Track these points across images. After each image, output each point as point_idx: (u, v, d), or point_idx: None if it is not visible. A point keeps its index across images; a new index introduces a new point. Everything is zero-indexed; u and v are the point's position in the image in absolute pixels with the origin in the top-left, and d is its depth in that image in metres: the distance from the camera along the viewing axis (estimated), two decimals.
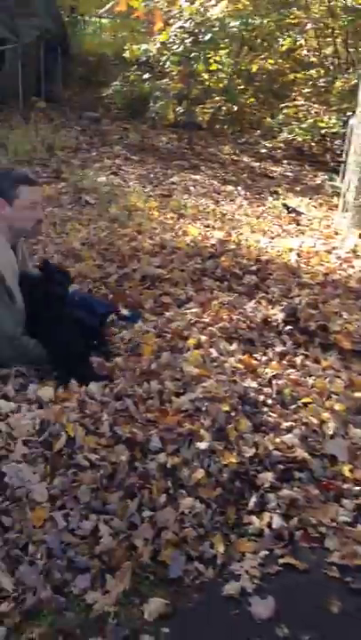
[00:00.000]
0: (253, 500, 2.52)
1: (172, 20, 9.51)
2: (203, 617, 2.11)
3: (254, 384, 3.07)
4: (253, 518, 2.47)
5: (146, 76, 10.00)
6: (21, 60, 10.18)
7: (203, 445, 2.62)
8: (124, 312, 3.68)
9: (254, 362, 3.27)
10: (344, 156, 6.86)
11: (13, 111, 10.05)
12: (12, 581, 2.07)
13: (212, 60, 10.08)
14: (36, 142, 8.38)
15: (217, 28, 9.33)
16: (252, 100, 11.08)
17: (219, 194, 7.42)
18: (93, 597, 2.10)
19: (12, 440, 2.43)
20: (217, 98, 10.58)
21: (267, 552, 2.35)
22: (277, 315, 3.72)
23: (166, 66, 9.86)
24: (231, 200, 7.20)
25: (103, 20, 15.91)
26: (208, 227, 5.76)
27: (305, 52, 10.89)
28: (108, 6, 6.31)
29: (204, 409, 2.80)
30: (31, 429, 2.49)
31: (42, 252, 4.56)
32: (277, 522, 2.44)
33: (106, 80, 12.49)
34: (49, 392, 2.74)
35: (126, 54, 10.34)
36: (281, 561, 2.32)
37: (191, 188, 7.52)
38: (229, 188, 7.78)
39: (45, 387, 2.79)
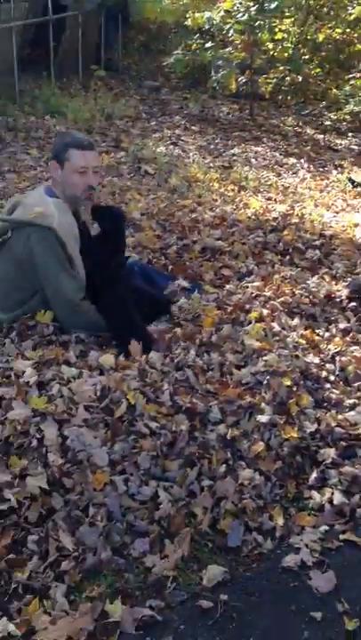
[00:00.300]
0: (314, 475, 2.51)
1: None
2: (261, 586, 2.11)
3: (316, 360, 3.03)
4: (314, 493, 2.46)
5: (208, 44, 9.85)
6: (82, 29, 10.13)
7: (263, 418, 2.61)
8: (184, 283, 3.66)
9: (317, 337, 3.23)
10: None
11: (73, 80, 10.03)
12: (73, 541, 2.10)
13: (277, 29, 9.87)
14: (95, 111, 8.36)
15: None
16: (318, 70, 10.83)
17: (281, 166, 7.31)
18: (152, 561, 2.13)
19: (73, 405, 2.46)
20: (281, 68, 10.37)
21: (327, 527, 2.34)
22: (341, 291, 3.66)
23: (229, 34, 9.69)
24: (294, 173, 7.08)
25: None
26: (270, 200, 5.68)
27: None
28: None
29: (265, 382, 2.78)
30: (92, 395, 2.51)
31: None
32: (338, 498, 2.42)
33: (166, 48, 12.37)
34: (110, 359, 2.75)
35: (188, 22, 10.20)
36: (342, 537, 2.31)
37: (252, 159, 7.42)
38: (292, 160, 7.66)
39: (107, 354, 2.80)
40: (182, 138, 8.03)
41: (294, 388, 2.78)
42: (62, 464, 2.26)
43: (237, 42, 9.62)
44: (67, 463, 2.28)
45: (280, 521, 2.34)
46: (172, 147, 7.47)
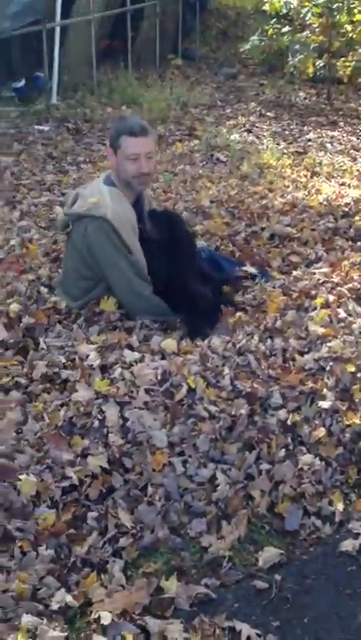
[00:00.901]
0: None
1: None
2: (317, 569, 2.12)
3: None
4: None
5: (285, 29, 9.71)
6: (160, 18, 10.20)
7: (325, 404, 2.60)
8: (251, 270, 3.67)
9: None
10: None
11: (150, 69, 10.11)
12: (132, 519, 2.17)
13: (356, 10, 9.62)
14: (170, 100, 8.41)
15: None
16: None
17: (358, 151, 7.14)
18: (209, 541, 2.17)
19: (134, 388, 2.52)
20: (360, 50, 10.11)
21: None
22: None
23: (307, 18, 9.52)
24: None
25: None
26: (343, 185, 5.58)
27: None
28: None
29: (328, 368, 2.76)
30: (153, 379, 2.56)
31: (171, 209, 4.61)
32: None
33: (244, 35, 12.27)
34: (172, 344, 2.81)
35: (266, 7, 10.08)
36: None
37: (328, 145, 7.29)
38: None
39: (169, 339, 2.85)
40: (257, 124, 7.97)
41: (359, 375, 2.75)
42: (122, 444, 2.33)
43: (315, 25, 9.45)
44: (127, 444, 2.34)
45: (340, 506, 2.34)
46: (245, 134, 7.43)
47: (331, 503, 2.34)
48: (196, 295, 3.27)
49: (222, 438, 2.44)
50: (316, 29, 9.47)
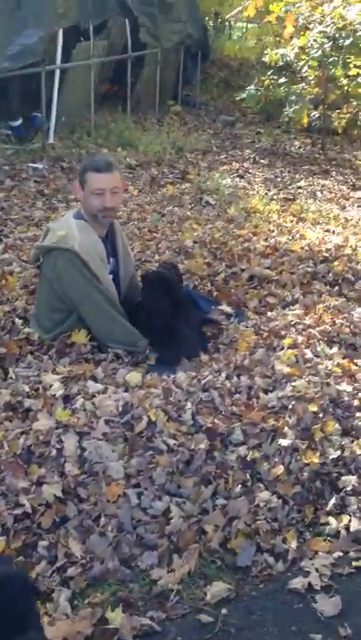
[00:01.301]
0: (333, 501, 2.50)
1: (311, 25, 9.44)
2: (265, 606, 2.13)
3: (349, 388, 3.02)
4: (331, 519, 2.45)
5: (282, 80, 9.97)
6: (161, 65, 10.47)
7: (285, 442, 2.63)
8: (227, 309, 3.72)
9: (354, 367, 3.21)
10: None
11: (149, 114, 10.35)
12: (82, 549, 2.18)
13: (351, 65, 9.90)
14: (166, 144, 8.58)
15: (359, 33, 9.15)
16: None
17: (347, 199, 7.29)
18: (159, 574, 2.17)
19: (95, 418, 2.55)
20: (355, 103, 10.36)
21: (341, 553, 2.33)
22: None
23: (303, 70, 9.79)
24: (359, 206, 7.04)
25: (249, 25, 16.06)
26: (328, 231, 5.68)
27: None
28: (235, 11, 6.36)
29: (290, 407, 2.79)
30: (114, 410, 2.60)
31: (154, 248, 4.69)
32: (356, 525, 2.41)
33: (245, 84, 12.57)
34: (137, 377, 2.84)
35: (265, 59, 10.37)
36: (355, 564, 2.30)
37: (318, 192, 7.43)
38: (359, 194, 7.62)
39: (134, 372, 2.89)
40: (250, 170, 8.14)
41: (321, 415, 2.78)
42: (78, 474, 2.35)
43: (311, 77, 9.70)
44: (83, 474, 2.37)
45: (293, 544, 2.35)
46: (238, 179, 7.59)
47: (285, 541, 2.35)
48: (183, 337, 3.34)
49: (179, 472, 2.46)
50: (312, 81, 9.73)
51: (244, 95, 10.08)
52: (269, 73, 9.99)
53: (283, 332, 3.37)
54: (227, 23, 16.14)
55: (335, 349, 3.33)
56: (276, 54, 10.05)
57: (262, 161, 8.82)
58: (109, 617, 2.00)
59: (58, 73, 8.12)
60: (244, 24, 16.62)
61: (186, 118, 10.98)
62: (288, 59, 9.99)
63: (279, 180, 7.90)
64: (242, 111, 12.04)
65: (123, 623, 1.98)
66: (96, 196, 3.17)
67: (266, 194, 6.89)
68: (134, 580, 2.16)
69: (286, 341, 3.24)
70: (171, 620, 2.05)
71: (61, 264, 3.12)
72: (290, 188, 7.53)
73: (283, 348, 3.21)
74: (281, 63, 10.22)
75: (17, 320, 3.40)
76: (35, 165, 7.08)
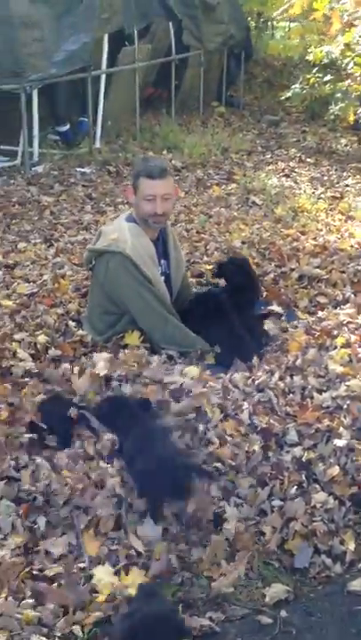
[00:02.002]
0: None
1: (357, 22, 9.32)
2: (324, 607, 2.11)
3: None
4: None
5: (327, 77, 9.88)
6: (204, 66, 10.48)
7: (341, 443, 2.60)
8: (277, 309, 3.71)
9: None
10: None
11: (193, 115, 10.37)
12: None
13: None
14: (211, 145, 8.58)
15: None
16: None
17: None
18: (217, 575, 2.17)
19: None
20: None
21: None
22: None
23: (349, 67, 9.68)
24: None
25: (292, 24, 15.95)
26: None
27: None
28: (281, 9, 6.33)
29: (345, 407, 2.77)
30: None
31: (202, 249, 4.70)
32: None
33: (289, 84, 12.50)
34: (195, 371, 2.87)
35: (310, 57, 10.29)
36: None
37: None
38: None
39: (192, 366, 2.92)
40: (296, 170, 8.08)
41: None
42: None
43: (357, 74, 9.58)
44: None
45: (351, 546, 2.32)
46: (284, 178, 7.54)
47: (342, 542, 2.33)
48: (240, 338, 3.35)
49: (235, 472, 2.46)
50: (358, 78, 9.61)
51: (289, 94, 10.00)
52: (314, 71, 9.90)
53: (335, 332, 3.34)
54: (269, 23, 16.07)
55: None
56: (320, 52, 9.96)
57: (308, 160, 8.74)
58: None
59: (103, 78, 8.21)
60: (287, 23, 16.51)
61: (230, 119, 10.96)
62: (333, 56, 9.90)
63: (326, 178, 7.82)
64: (286, 110, 11.95)
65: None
66: (147, 202, 3.20)
67: (313, 193, 6.83)
68: (193, 581, 2.16)
69: (339, 340, 3.22)
70: (230, 621, 2.05)
71: (113, 267, 3.16)
72: (337, 186, 7.45)
73: (335, 348, 3.18)
74: (326, 61, 10.12)
75: (70, 322, 3.46)
76: (82, 170, 7.17)
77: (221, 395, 2.77)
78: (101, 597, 2.02)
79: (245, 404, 2.74)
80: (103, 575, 2.07)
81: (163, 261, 3.43)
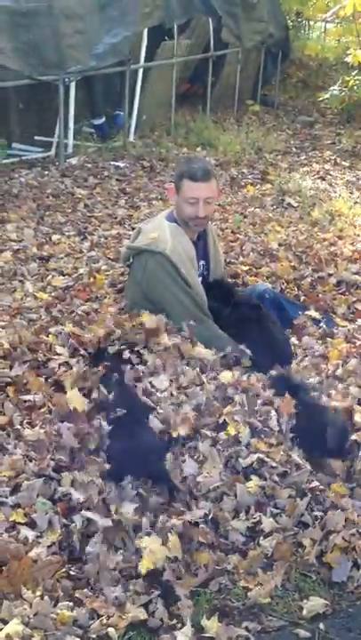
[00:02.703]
0: None
1: None
2: None
3: None
4: None
5: None
6: (241, 64, 10.41)
7: None
8: (315, 314, 3.65)
9: None
10: None
11: (228, 113, 10.31)
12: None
13: None
14: (245, 144, 8.52)
15: None
16: None
17: None
18: (254, 585, 2.13)
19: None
20: None
21: None
22: None
23: None
24: None
25: (328, 25, 15.82)
26: None
27: None
28: (333, 10, 6.24)
29: None
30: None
31: (238, 250, 4.65)
32: None
33: (324, 85, 12.40)
34: (228, 376, 2.82)
35: (349, 59, 10.18)
36: None
37: None
38: None
39: (227, 371, 2.89)
40: (331, 172, 7.99)
41: None
42: None
43: None
44: None
45: None
46: (319, 181, 7.46)
47: None
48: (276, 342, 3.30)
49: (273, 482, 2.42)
50: None
51: (327, 95, 9.93)
52: (354, 73, 9.80)
53: None
54: (305, 22, 15.93)
55: None
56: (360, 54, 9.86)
57: (343, 163, 8.63)
58: (205, 625, 1.97)
59: (141, 72, 8.18)
60: (323, 24, 16.37)
61: (264, 118, 10.88)
62: None
63: None
64: (321, 112, 11.83)
65: (219, 632, 1.96)
66: (189, 205, 3.16)
67: (349, 196, 6.75)
68: (230, 590, 2.13)
69: None
70: (267, 632, 2.01)
71: (151, 266, 3.13)
72: None
73: None
74: None
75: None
76: (117, 164, 7.15)
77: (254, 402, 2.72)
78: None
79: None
80: None
81: (202, 262, 3.40)
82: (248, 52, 10.62)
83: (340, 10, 5.76)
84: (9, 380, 2.85)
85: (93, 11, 6.96)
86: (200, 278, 3.37)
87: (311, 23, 16.62)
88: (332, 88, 10.03)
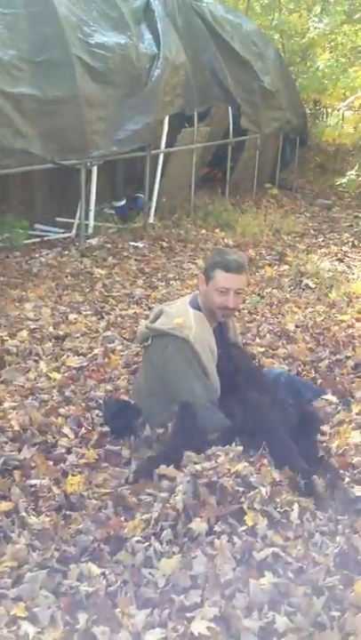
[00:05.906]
0: None
1: None
2: None
3: None
4: None
5: None
6: (260, 149, 10.68)
7: None
8: (332, 399, 3.56)
9: None
10: None
11: (247, 196, 10.50)
12: None
13: None
14: (263, 226, 8.63)
15: None
16: None
17: None
18: None
19: None
20: None
21: None
22: None
23: None
24: None
25: (346, 112, 16.29)
26: None
27: None
28: (349, 100, 6.40)
29: None
30: None
31: (255, 331, 4.62)
32: None
33: (342, 169, 12.66)
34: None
35: None
36: None
37: None
38: None
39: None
40: (349, 254, 8.03)
41: None
42: None
43: None
44: None
45: None
46: (336, 262, 7.49)
47: None
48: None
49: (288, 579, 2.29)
50: None
51: (344, 180, 10.10)
52: None
53: None
54: (324, 110, 16.41)
55: None
56: None
57: None
58: None
59: (162, 156, 8.39)
60: (340, 111, 16.87)
61: (283, 201, 11.07)
62: None
63: None
64: (338, 195, 12.04)
65: None
66: (220, 294, 3.14)
67: None
68: None
69: None
70: None
71: (172, 350, 3.08)
72: None
73: None
74: None
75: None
76: (136, 244, 7.25)
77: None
78: None
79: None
80: None
81: (219, 351, 3.35)
82: (266, 138, 10.91)
83: (356, 100, 5.89)
84: (17, 463, 2.78)
85: (116, 99, 7.19)
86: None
87: (329, 110, 17.14)
88: (349, 173, 10.21)
